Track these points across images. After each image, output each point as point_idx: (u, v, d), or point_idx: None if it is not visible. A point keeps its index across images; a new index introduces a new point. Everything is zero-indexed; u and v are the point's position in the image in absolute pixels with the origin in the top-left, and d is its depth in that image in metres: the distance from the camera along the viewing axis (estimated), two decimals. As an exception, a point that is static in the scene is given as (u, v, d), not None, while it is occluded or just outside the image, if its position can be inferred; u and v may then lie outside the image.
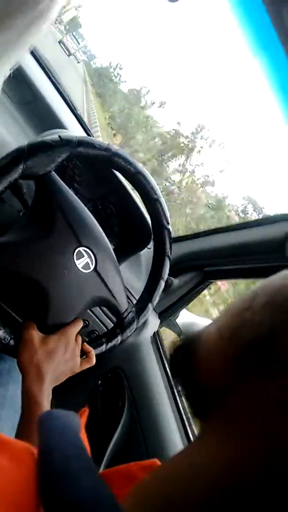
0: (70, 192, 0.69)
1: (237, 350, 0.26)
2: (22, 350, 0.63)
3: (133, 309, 0.77)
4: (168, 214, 0.74)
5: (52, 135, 0.63)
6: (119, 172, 0.71)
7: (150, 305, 0.77)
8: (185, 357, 0.32)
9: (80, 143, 0.63)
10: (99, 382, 0.96)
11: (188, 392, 0.31)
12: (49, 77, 0.98)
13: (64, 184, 0.68)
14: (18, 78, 0.93)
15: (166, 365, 0.95)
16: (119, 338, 0.76)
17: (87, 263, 0.68)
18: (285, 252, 0.72)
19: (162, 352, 0.97)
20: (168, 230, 0.74)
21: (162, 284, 0.77)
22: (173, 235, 0.76)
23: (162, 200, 0.72)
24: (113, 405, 0.89)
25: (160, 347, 0.98)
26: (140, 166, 0.69)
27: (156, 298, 0.78)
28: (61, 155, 0.62)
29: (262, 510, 0.20)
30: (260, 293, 0.27)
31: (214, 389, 0.27)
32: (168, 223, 0.74)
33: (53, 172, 0.65)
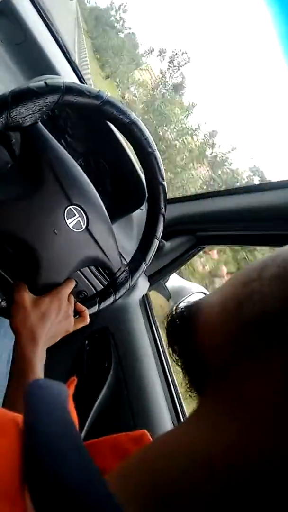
0: (59, 146, 0.65)
1: (242, 323, 0.24)
2: (14, 312, 0.61)
3: (126, 268, 0.75)
4: (163, 169, 0.70)
5: (39, 81, 0.57)
6: (111, 122, 0.66)
7: (143, 264, 0.76)
8: (184, 326, 0.30)
9: (68, 89, 0.57)
10: (86, 342, 0.96)
11: (184, 363, 0.30)
12: (42, 17, 0.89)
13: (52, 137, 0.63)
14: (8, 15, 0.84)
15: (154, 329, 0.95)
16: (112, 298, 0.75)
17: (78, 221, 0.65)
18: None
19: (150, 315, 0.97)
20: (163, 186, 0.71)
21: (156, 243, 0.75)
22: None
23: (157, 153, 0.68)
24: (99, 365, 0.89)
25: (148, 310, 0.98)
26: (133, 115, 0.64)
27: (150, 258, 0.76)
28: (48, 103, 0.56)
29: (260, 498, 0.19)
30: (271, 264, 0.25)
31: (215, 362, 0.25)
32: (163, 179, 0.70)
33: (40, 123, 0.60)
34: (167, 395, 0.84)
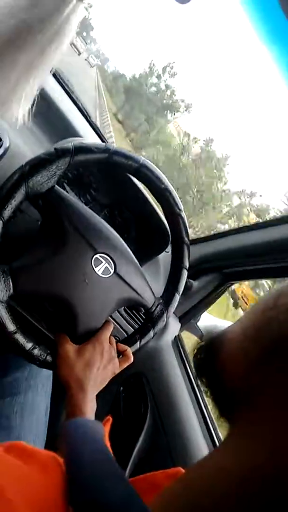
0: (77, 202, 0.69)
1: (262, 350, 0.25)
2: (60, 365, 0.63)
3: (161, 301, 0.77)
4: (179, 201, 0.73)
5: (49, 149, 0.63)
6: (122, 170, 0.70)
7: (176, 294, 0.77)
8: (209, 357, 0.32)
9: (78, 150, 0.62)
10: (121, 388, 0.95)
11: (213, 393, 0.31)
12: (62, 86, 0.98)
13: (69, 196, 0.68)
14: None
15: (189, 369, 0.94)
16: (151, 333, 0.76)
17: (107, 268, 0.68)
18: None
19: (184, 356, 0.96)
20: (182, 216, 0.73)
21: (185, 273, 0.77)
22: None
23: (171, 187, 0.71)
24: (135, 411, 0.88)
25: (181, 350, 0.97)
26: (142, 159, 0.68)
27: (181, 287, 0.77)
28: (60, 167, 0.62)
29: None
30: (285, 292, 0.27)
31: (240, 389, 0.27)
32: (180, 210, 0.73)
33: (56, 186, 0.65)
34: (206, 435, 0.82)
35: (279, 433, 0.22)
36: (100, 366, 0.65)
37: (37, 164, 0.60)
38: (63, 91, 0.99)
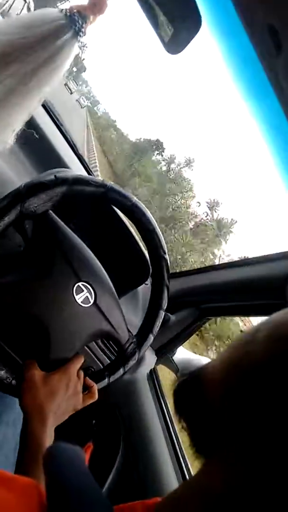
0: (68, 230, 0.71)
1: (241, 378, 0.27)
2: (24, 390, 0.62)
3: (134, 340, 0.77)
4: (164, 244, 0.75)
5: (49, 175, 0.65)
6: (115, 206, 0.73)
7: (151, 335, 0.77)
8: (190, 391, 0.33)
9: (76, 181, 0.65)
10: (93, 422, 0.93)
11: (192, 427, 0.32)
12: (52, 118, 1.02)
13: (61, 222, 0.70)
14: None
15: (163, 404, 0.93)
16: (121, 371, 0.75)
17: (87, 297, 0.69)
18: (285, 291, 0.73)
19: (158, 390, 0.95)
20: (166, 259, 0.75)
21: (162, 314, 0.78)
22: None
23: (158, 230, 0.74)
24: (107, 445, 0.86)
25: (156, 384, 0.97)
26: (135, 199, 0.71)
27: (156, 328, 0.78)
28: (57, 194, 0.64)
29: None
30: (262, 328, 0.29)
31: (220, 419, 0.28)
32: (165, 253, 0.75)
33: (51, 211, 0.67)
34: (177, 470, 0.80)
35: (252, 459, 0.24)
36: (64, 398, 0.64)
37: (36, 187, 0.62)
38: (52, 123, 1.02)
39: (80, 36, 0.57)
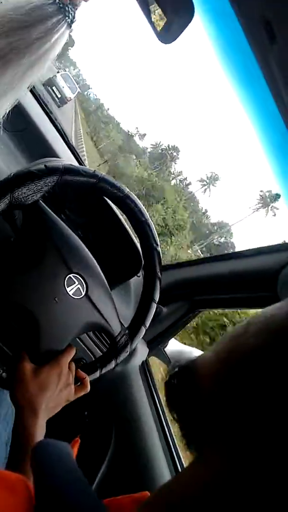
0: (59, 220, 0.70)
1: (232, 370, 0.27)
2: (15, 383, 0.62)
3: (126, 332, 0.76)
4: (156, 236, 0.74)
5: (39, 164, 0.64)
6: (107, 197, 0.72)
7: (143, 327, 0.77)
8: (183, 381, 0.33)
9: (67, 170, 0.64)
10: (86, 412, 0.93)
11: (183, 419, 0.32)
12: (41, 105, 1.00)
13: (52, 213, 0.68)
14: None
15: (155, 395, 0.94)
16: (113, 363, 0.75)
17: (78, 289, 0.68)
18: (277, 284, 0.73)
19: (150, 381, 0.96)
20: (158, 251, 0.75)
21: (154, 306, 0.77)
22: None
23: (150, 221, 0.73)
24: (100, 436, 0.86)
25: (148, 376, 0.97)
26: (127, 190, 0.70)
27: (148, 321, 0.77)
28: (48, 184, 0.63)
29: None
30: (254, 321, 0.29)
31: (210, 412, 0.28)
32: (157, 244, 0.74)
33: (41, 201, 0.66)
34: (169, 461, 0.81)
35: (238, 452, 0.24)
36: (55, 391, 0.64)
37: (26, 177, 0.61)
38: (42, 112, 1.00)
39: (71, 22, 0.56)
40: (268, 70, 0.43)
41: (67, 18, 0.56)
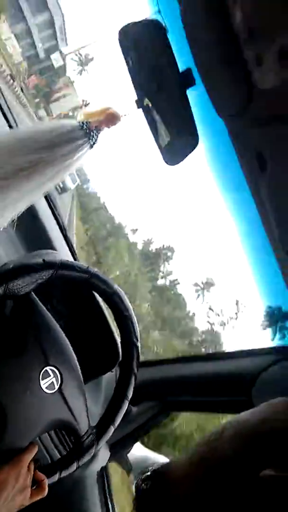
0: (46, 312, 0.70)
1: (208, 474, 0.28)
2: None
3: (94, 431, 0.72)
4: (138, 332, 0.75)
5: (36, 257, 0.67)
6: (96, 292, 0.75)
7: (111, 426, 0.73)
8: (154, 486, 0.33)
9: (63, 266, 0.67)
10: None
11: None
12: (46, 198, 1.04)
13: (41, 305, 0.70)
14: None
15: (110, 508, 0.84)
16: (74, 465, 0.70)
17: (52, 383, 0.66)
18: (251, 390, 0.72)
19: (108, 494, 0.86)
20: (137, 347, 0.75)
21: (126, 404, 0.75)
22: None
23: (134, 318, 0.75)
24: None
25: (106, 487, 0.88)
26: (116, 286, 0.73)
27: (118, 420, 0.74)
28: (43, 277, 0.65)
29: None
30: (229, 427, 0.31)
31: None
32: (137, 340, 0.75)
33: (32, 293, 0.67)
34: None
35: None
36: (10, 494, 0.58)
37: (23, 270, 0.63)
38: (46, 203, 1.04)
39: (93, 144, 0.66)
40: (257, 195, 0.49)
41: (90, 141, 0.65)
